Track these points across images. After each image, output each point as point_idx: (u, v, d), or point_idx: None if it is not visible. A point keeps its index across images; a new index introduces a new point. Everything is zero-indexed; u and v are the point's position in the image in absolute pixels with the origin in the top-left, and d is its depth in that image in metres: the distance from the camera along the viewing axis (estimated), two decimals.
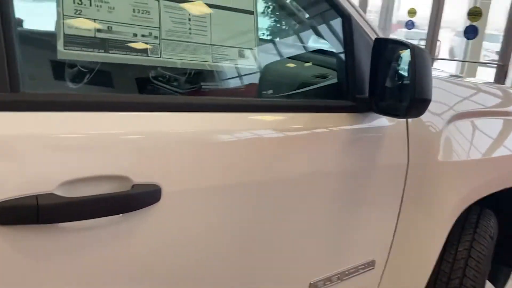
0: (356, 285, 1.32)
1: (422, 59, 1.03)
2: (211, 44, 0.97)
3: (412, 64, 1.03)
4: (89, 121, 0.77)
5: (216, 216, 0.94)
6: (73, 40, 0.80)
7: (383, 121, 1.20)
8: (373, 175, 1.23)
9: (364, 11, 5.81)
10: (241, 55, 1.02)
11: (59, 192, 0.73)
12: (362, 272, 1.33)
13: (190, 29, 0.94)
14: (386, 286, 1.43)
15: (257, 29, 1.04)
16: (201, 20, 0.95)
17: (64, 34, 0.79)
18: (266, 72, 1.42)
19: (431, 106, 1.08)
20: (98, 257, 0.80)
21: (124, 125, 0.81)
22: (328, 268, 1.23)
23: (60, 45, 0.78)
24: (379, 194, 1.25)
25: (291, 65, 1.51)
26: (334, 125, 1.11)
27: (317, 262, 1.19)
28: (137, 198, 0.80)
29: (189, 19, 0.94)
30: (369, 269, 1.35)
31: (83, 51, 0.81)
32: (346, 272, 1.27)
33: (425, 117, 1.17)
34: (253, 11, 1.03)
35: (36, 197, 0.71)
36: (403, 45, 1.09)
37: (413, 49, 1.03)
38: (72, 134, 0.76)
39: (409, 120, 1.25)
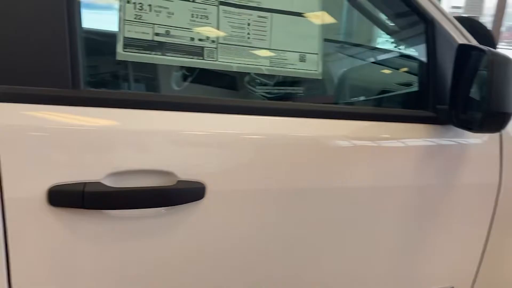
0: None
1: (502, 66, 0.93)
2: (270, 49, 0.98)
3: (489, 72, 0.93)
4: (139, 118, 0.83)
5: (263, 219, 0.94)
6: (131, 43, 0.86)
7: (469, 135, 1.10)
8: (456, 194, 1.14)
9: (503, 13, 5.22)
10: (303, 60, 1.01)
11: (106, 182, 0.79)
12: None
13: (248, 34, 0.96)
14: None
15: (322, 34, 1.02)
16: (260, 25, 0.97)
17: (124, 37, 0.85)
18: (343, 78, 1.39)
19: None
20: (138, 246, 0.85)
21: (173, 124, 0.85)
22: None
23: (119, 47, 0.85)
24: (463, 215, 1.14)
25: (369, 71, 1.46)
26: (413, 136, 1.04)
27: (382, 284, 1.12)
28: (180, 194, 0.84)
29: (248, 24, 0.96)
30: None
31: (140, 53, 0.87)
32: None
33: None
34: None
35: (84, 184, 0.77)
36: (484, 51, 1.00)
37: (491, 55, 0.94)
38: (124, 129, 0.82)
39: (504, 136, 1.13)
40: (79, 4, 0.80)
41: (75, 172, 0.78)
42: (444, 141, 1.08)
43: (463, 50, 1.05)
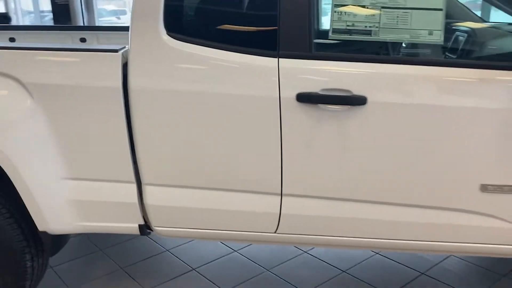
0: None
1: None
2: (409, 29, 1.83)
3: None
4: (341, 67, 1.81)
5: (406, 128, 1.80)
6: (335, 31, 1.85)
7: None
8: None
9: None
10: (431, 34, 1.83)
11: (320, 92, 1.80)
12: None
13: (397, 22, 1.83)
14: None
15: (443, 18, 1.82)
16: (404, 16, 1.82)
17: (332, 28, 1.85)
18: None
19: None
20: (332, 126, 1.83)
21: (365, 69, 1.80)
22: (501, 178, 1.84)
23: (330, 32, 1.85)
24: None
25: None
26: None
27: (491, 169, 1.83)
28: (354, 99, 1.79)
29: (397, 16, 1.83)
30: None
31: (340, 35, 1.85)
32: None
33: None
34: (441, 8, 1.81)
35: (310, 93, 1.80)
36: None
37: None
38: (336, 70, 1.81)
39: None
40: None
41: (310, 88, 1.81)
42: None
43: None
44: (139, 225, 2.13)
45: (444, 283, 2.52)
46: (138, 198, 2.08)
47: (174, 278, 2.61)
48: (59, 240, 2.24)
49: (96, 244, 2.99)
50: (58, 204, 2.08)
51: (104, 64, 1.91)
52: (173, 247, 2.93)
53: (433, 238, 1.96)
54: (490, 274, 2.59)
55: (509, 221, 1.89)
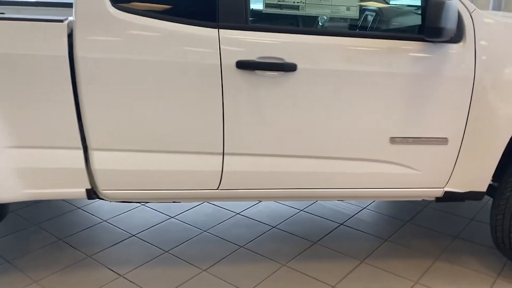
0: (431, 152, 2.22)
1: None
2: (331, 5, 2.12)
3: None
4: (275, 38, 2.05)
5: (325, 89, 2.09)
6: (268, 5, 2.09)
7: None
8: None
9: None
10: (348, 9, 2.13)
11: (257, 59, 2.03)
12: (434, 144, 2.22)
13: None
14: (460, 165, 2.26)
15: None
16: None
17: (265, 3, 2.08)
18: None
19: None
20: (268, 90, 2.08)
21: (289, 38, 2.06)
22: (406, 131, 2.20)
23: (264, 6, 2.09)
24: None
25: None
26: None
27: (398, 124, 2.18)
28: (286, 66, 2.04)
29: None
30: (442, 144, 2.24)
31: (272, 9, 2.09)
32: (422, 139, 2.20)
33: None
34: None
35: (248, 60, 2.02)
36: None
37: None
38: (270, 40, 2.04)
39: None
40: None
41: (247, 56, 2.03)
42: None
43: None
44: (86, 189, 2.23)
45: (359, 230, 2.91)
46: (84, 163, 2.18)
47: (116, 244, 2.73)
48: (1, 210, 2.27)
49: (29, 220, 3.00)
50: (3, 172, 2.11)
51: (50, 34, 1.98)
52: (110, 217, 3.03)
53: (355, 186, 2.30)
54: (397, 221, 3.03)
55: (412, 167, 2.28)
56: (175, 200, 2.37)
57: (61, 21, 1.99)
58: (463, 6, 2.14)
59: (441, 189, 2.35)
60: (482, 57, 2.13)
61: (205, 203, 3.24)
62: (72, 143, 2.13)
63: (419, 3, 2.27)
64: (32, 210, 3.13)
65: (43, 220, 3.00)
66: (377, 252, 2.67)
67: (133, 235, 2.83)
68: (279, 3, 2.10)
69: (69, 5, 3.35)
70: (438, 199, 2.42)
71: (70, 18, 2.05)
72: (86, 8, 1.98)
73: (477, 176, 2.29)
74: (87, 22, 1.99)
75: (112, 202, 3.16)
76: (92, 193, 2.25)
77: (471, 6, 2.16)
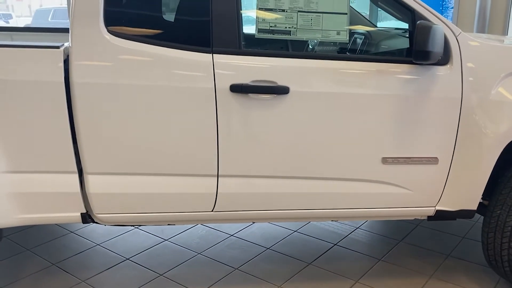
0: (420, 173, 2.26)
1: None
2: (322, 30, 2.18)
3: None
4: (267, 62, 2.10)
5: (320, 111, 2.13)
6: (261, 30, 2.14)
7: None
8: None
9: None
10: (339, 34, 2.19)
11: (250, 83, 2.08)
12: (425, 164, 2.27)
13: (311, 24, 2.17)
14: (450, 184, 2.31)
15: (348, 21, 2.19)
16: (317, 19, 2.17)
17: (258, 28, 2.14)
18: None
19: None
20: (262, 113, 2.11)
21: (282, 62, 2.11)
22: (397, 152, 2.25)
23: (256, 31, 2.14)
24: None
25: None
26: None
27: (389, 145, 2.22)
28: (279, 89, 2.09)
29: (311, 19, 2.17)
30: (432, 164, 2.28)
31: (265, 34, 2.14)
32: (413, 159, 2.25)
33: None
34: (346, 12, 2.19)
35: (242, 84, 2.06)
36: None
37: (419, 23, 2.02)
38: (263, 64, 2.09)
39: None
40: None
41: (241, 80, 2.07)
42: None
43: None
44: (81, 213, 2.23)
45: (353, 250, 2.92)
46: (79, 187, 2.19)
47: (110, 268, 2.72)
48: None
49: (21, 245, 2.98)
50: None
51: (47, 60, 2.01)
52: (104, 241, 3.02)
53: (348, 206, 2.33)
54: (390, 241, 3.05)
55: (403, 187, 2.31)
56: (170, 223, 2.37)
57: (58, 47, 2.02)
58: (449, 30, 2.21)
59: (433, 208, 2.39)
60: (469, 79, 2.20)
61: (199, 225, 3.24)
62: (67, 167, 2.15)
63: (406, 26, 2.34)
64: (25, 235, 3.10)
65: (36, 245, 2.98)
66: (371, 271, 2.68)
67: (127, 259, 2.81)
68: (271, 28, 2.16)
69: (61, 30, 3.39)
70: (430, 218, 2.45)
71: (66, 44, 2.08)
72: (83, 35, 2.02)
73: (467, 194, 2.33)
74: (84, 49, 2.02)
75: (105, 226, 3.15)
76: (87, 217, 2.26)
77: (457, 30, 2.24)
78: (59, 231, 3.17)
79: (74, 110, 2.05)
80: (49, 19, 13.91)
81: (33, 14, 15.52)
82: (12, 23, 15.32)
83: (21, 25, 14.91)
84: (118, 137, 2.11)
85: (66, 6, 8.72)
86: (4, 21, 14.17)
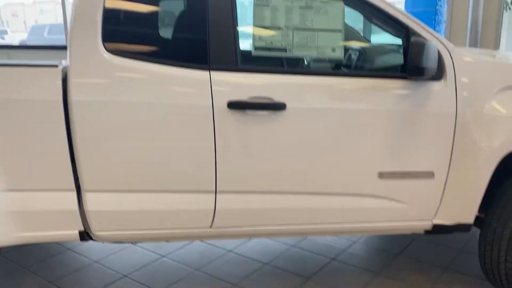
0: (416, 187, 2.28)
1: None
2: (317, 46, 2.21)
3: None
4: (264, 79, 2.12)
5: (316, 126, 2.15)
6: (258, 48, 2.17)
7: None
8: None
9: None
10: (334, 51, 2.22)
11: (247, 99, 2.10)
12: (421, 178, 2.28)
13: (307, 40, 2.20)
14: (447, 198, 2.32)
15: (343, 37, 2.23)
16: (312, 36, 2.20)
17: (254, 46, 2.16)
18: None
19: None
20: (259, 129, 2.13)
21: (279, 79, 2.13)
22: (394, 166, 2.26)
23: (253, 49, 2.16)
24: None
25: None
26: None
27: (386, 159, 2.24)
28: (276, 105, 2.11)
29: (307, 36, 2.20)
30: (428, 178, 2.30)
31: (261, 51, 2.17)
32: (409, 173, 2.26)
33: None
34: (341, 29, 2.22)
35: (239, 101, 2.08)
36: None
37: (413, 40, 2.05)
38: (259, 81, 2.12)
39: None
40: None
41: (238, 96, 2.09)
42: None
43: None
44: (79, 231, 2.23)
45: (351, 265, 2.92)
46: (77, 205, 2.19)
47: (107, 285, 2.70)
48: None
49: (18, 263, 2.96)
50: None
51: (45, 79, 2.02)
52: (101, 258, 3.01)
53: (346, 220, 2.33)
54: (388, 255, 3.06)
55: (400, 201, 2.33)
56: (168, 239, 2.37)
57: (56, 66, 2.04)
58: (442, 46, 2.25)
59: (430, 222, 2.40)
60: (463, 93, 2.23)
61: (196, 241, 3.23)
62: (66, 185, 2.15)
63: (400, 42, 2.38)
64: (21, 253, 3.08)
65: (32, 263, 2.96)
66: (370, 286, 2.68)
67: (125, 276, 2.80)
68: (267, 46, 2.18)
69: (56, 48, 3.41)
70: (427, 232, 2.46)
71: (64, 63, 2.10)
72: (81, 54, 2.04)
73: (463, 208, 2.35)
74: (82, 67, 2.04)
75: (102, 243, 3.13)
76: (85, 235, 2.25)
77: (450, 46, 2.27)
78: (55, 249, 3.15)
79: (72, 128, 2.06)
80: (45, 35, 13.99)
81: (28, 29, 15.61)
82: (8, 39, 15.37)
83: (17, 40, 14.98)
84: (117, 154, 2.11)
85: (62, 22, 8.77)
86: (0, 38, 14.23)
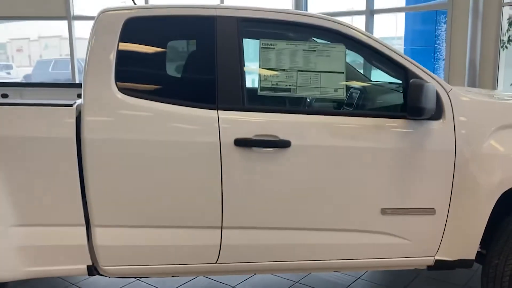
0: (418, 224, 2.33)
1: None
2: (320, 87, 2.30)
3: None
4: (269, 117, 2.21)
5: (320, 164, 2.22)
6: (263, 88, 2.26)
7: None
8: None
9: None
10: (336, 91, 2.32)
11: (253, 137, 2.17)
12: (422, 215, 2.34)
13: (310, 82, 2.29)
14: (448, 234, 2.36)
15: (345, 79, 2.32)
16: (315, 78, 2.30)
17: (260, 86, 2.26)
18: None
19: None
20: (264, 166, 2.20)
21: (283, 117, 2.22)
22: (396, 203, 2.32)
23: (259, 89, 2.26)
24: None
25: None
26: None
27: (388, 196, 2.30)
28: (281, 142, 2.18)
29: (310, 77, 2.30)
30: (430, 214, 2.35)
31: (267, 91, 2.27)
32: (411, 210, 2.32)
33: None
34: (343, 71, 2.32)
35: (246, 138, 2.16)
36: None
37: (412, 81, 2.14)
38: (265, 119, 2.20)
39: None
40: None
41: (245, 134, 2.17)
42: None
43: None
44: (87, 266, 2.26)
45: None
46: (86, 240, 2.23)
47: None
48: None
49: None
50: (5, 251, 2.15)
51: (60, 117, 2.11)
52: None
53: (349, 256, 2.37)
54: None
55: (403, 237, 2.37)
56: (174, 274, 2.40)
57: (70, 105, 2.13)
58: (440, 87, 2.34)
59: (432, 257, 2.44)
60: (461, 132, 2.31)
61: (200, 276, 3.24)
62: (75, 220, 2.20)
63: (399, 81, 2.48)
64: (26, 287, 3.10)
65: None
66: None
67: None
68: (272, 86, 2.28)
69: (66, 86, 3.52)
70: (429, 268, 2.49)
71: (78, 102, 2.19)
72: (95, 94, 2.13)
73: (465, 244, 2.39)
74: (96, 107, 2.13)
75: (109, 278, 3.15)
76: (93, 270, 2.29)
77: (448, 87, 2.37)
78: (60, 284, 3.17)
79: (84, 164, 2.13)
80: (50, 70, 14.22)
81: (33, 64, 15.87)
82: (13, 74, 15.63)
83: (22, 75, 15.20)
84: (126, 191, 2.18)
85: (68, 56, 8.95)
86: (6, 72, 14.47)
